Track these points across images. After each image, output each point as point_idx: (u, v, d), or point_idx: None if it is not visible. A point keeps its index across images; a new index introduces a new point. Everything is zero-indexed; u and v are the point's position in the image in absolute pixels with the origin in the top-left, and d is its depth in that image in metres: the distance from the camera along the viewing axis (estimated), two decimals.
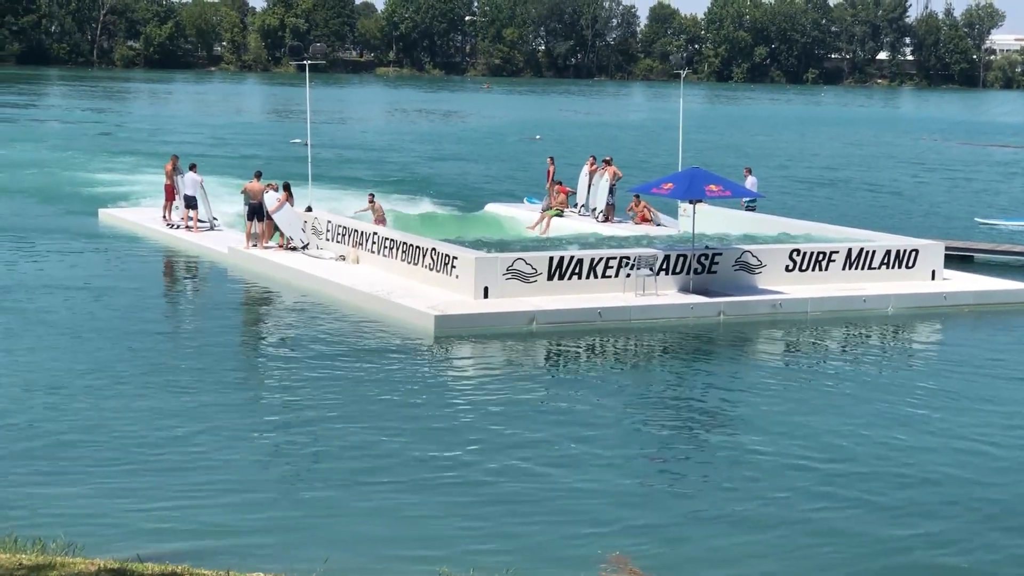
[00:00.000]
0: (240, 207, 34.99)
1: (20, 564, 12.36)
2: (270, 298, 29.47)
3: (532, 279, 27.51)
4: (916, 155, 79.99)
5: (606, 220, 37.35)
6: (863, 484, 16.98)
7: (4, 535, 13.53)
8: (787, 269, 29.82)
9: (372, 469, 17.04)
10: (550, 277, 27.68)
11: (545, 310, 26.52)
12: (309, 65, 38.52)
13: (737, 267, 29.39)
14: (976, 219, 46.90)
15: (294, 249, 32.82)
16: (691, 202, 30.71)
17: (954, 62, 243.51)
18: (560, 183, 38.55)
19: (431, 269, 28.42)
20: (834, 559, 14.64)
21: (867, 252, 30.68)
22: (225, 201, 39.92)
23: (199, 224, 36.98)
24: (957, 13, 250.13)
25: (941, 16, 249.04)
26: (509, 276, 27.32)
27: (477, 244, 29.41)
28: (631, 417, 20.05)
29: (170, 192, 37.88)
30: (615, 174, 38.00)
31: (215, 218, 37.74)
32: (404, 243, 29.58)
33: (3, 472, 16.56)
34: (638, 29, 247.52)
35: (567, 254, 28.12)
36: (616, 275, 28.22)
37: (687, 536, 15.17)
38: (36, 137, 72.86)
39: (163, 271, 33.30)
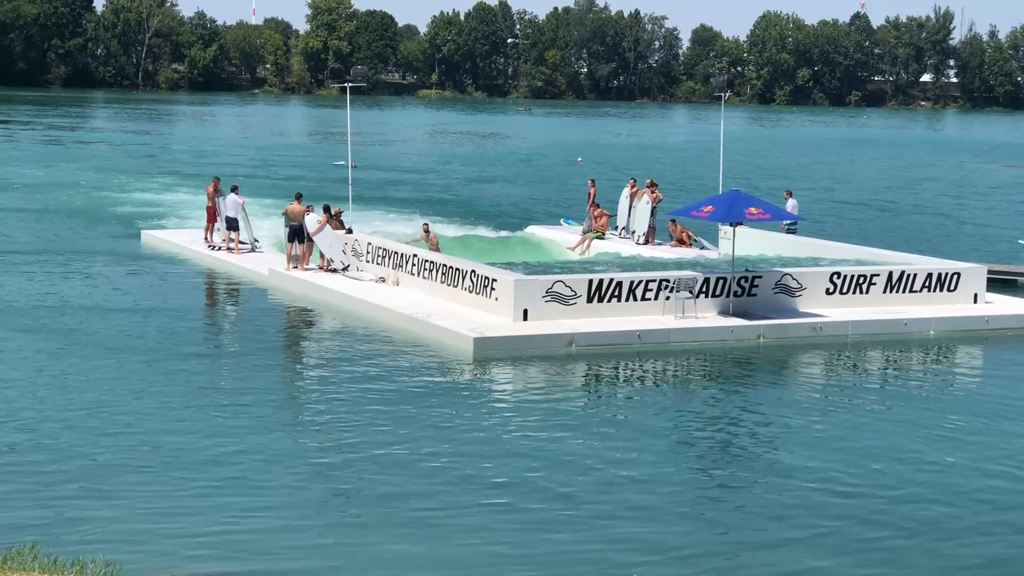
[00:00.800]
0: (281, 229, 35.17)
1: None
2: (310, 320, 29.58)
3: (571, 301, 27.50)
4: (960, 178, 79.48)
5: (647, 243, 37.33)
6: (906, 508, 16.85)
7: (44, 555, 13.61)
8: (827, 292, 29.69)
9: (411, 492, 17.04)
10: (589, 299, 27.67)
11: (584, 332, 26.49)
12: (351, 87, 38.73)
13: (777, 290, 29.28)
14: (1020, 242, 46.54)
15: (334, 271, 32.95)
16: (731, 225, 30.64)
17: (998, 84, 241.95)
18: (598, 206, 38.58)
19: (471, 291, 28.45)
20: None
21: (908, 275, 30.50)
22: (266, 223, 40.15)
23: (240, 246, 37.18)
24: (1002, 35, 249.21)
25: (985, 38, 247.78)
26: (548, 298, 27.32)
27: (515, 266, 29.43)
28: (670, 441, 19.98)
29: (212, 214, 38.12)
30: (657, 197, 38.00)
31: (256, 240, 37.94)
32: (444, 265, 29.64)
33: (44, 492, 16.67)
34: (680, 51, 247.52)
35: (606, 276, 28.09)
36: (656, 298, 28.17)
37: (727, 561, 15.09)
38: (81, 158, 73.56)
39: (204, 293, 33.51)
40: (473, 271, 28.52)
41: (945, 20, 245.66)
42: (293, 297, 31.60)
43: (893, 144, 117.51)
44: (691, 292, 28.20)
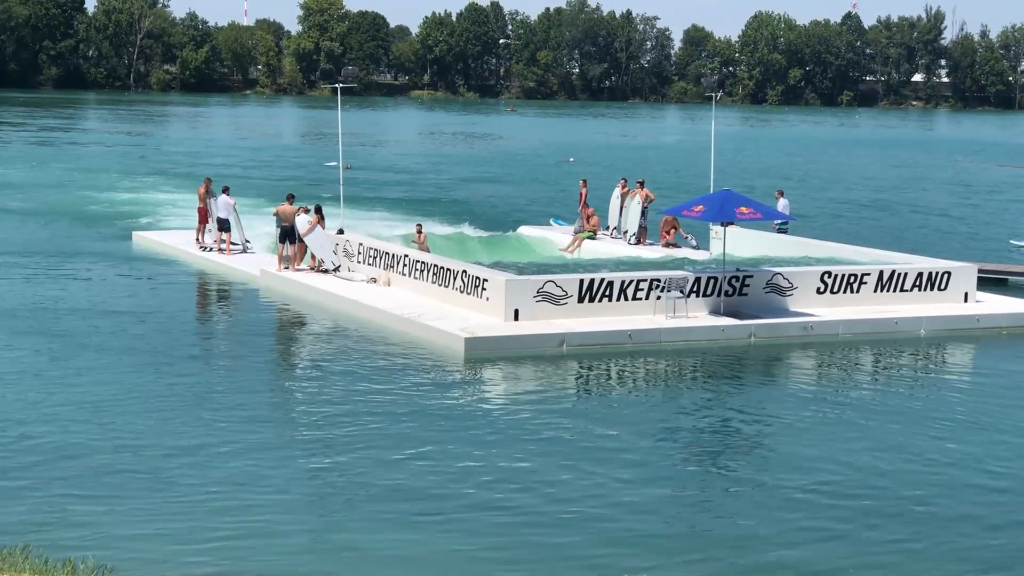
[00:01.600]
0: (273, 229, 35.17)
1: None
2: (302, 320, 29.59)
3: (563, 301, 27.53)
4: (951, 177, 79.65)
5: (638, 243, 37.37)
6: (898, 505, 16.91)
7: (36, 556, 13.63)
8: (818, 291, 29.74)
9: (403, 493, 17.06)
10: (581, 299, 27.70)
11: (576, 332, 26.53)
12: (342, 88, 38.75)
13: (768, 289, 29.34)
14: (1011, 241, 46.66)
15: (326, 271, 32.96)
16: (722, 224, 30.68)
17: (990, 84, 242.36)
18: (587, 206, 38.65)
19: (462, 291, 28.48)
20: None
21: (899, 275, 30.57)
22: (258, 223, 40.13)
23: (232, 247, 37.17)
24: (993, 35, 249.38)
25: (977, 38, 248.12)
26: (540, 298, 27.35)
27: (506, 266, 29.46)
28: (662, 440, 20.01)
29: (203, 215, 38.09)
30: (647, 197, 38.05)
31: (248, 241, 37.93)
32: (435, 265, 29.66)
33: (36, 492, 16.67)
34: (672, 52, 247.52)
35: (598, 276, 28.12)
36: (647, 297, 28.21)
37: (720, 560, 15.13)
38: (72, 159, 73.49)
39: (196, 294, 33.51)
40: (464, 271, 28.55)
41: (936, 20, 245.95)
42: (285, 298, 31.61)
43: (885, 144, 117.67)
44: (682, 292, 28.24)
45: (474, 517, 16.22)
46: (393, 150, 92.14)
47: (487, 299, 27.60)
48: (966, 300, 30.96)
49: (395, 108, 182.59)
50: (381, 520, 16.02)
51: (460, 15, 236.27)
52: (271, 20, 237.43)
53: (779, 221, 35.79)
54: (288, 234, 33.39)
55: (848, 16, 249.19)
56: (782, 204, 38.07)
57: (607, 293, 27.93)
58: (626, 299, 28.07)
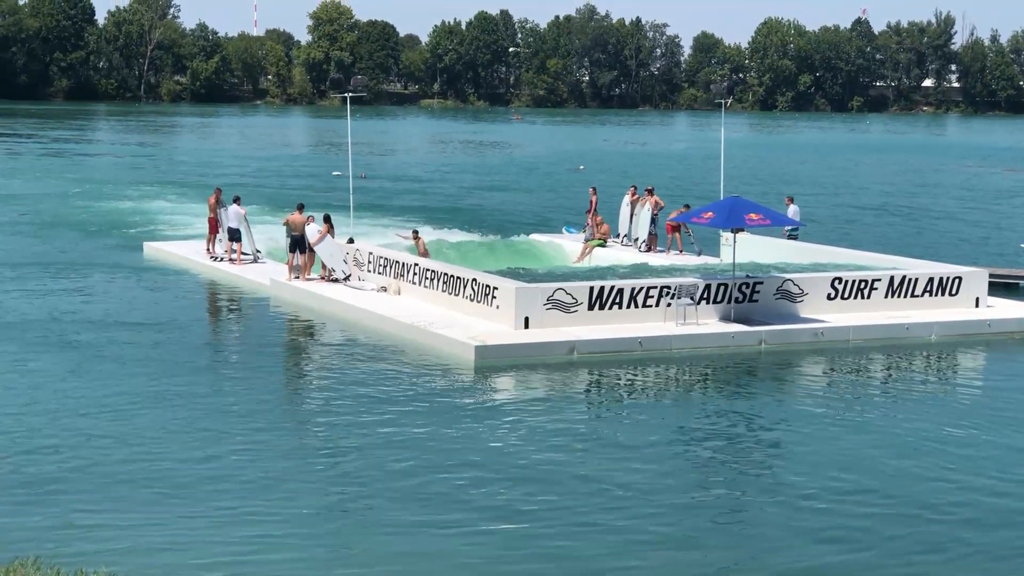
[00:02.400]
0: (283, 239, 35.22)
1: None
2: (312, 330, 29.63)
3: (573, 309, 27.53)
4: (962, 182, 79.50)
5: (648, 250, 37.38)
6: (912, 512, 16.88)
7: (47, 566, 13.64)
8: (829, 297, 29.72)
9: (412, 500, 17.06)
10: (591, 307, 27.69)
11: (586, 340, 26.53)
12: (352, 97, 38.81)
13: (778, 295, 29.31)
14: (1021, 246, 46.56)
15: (336, 281, 32.99)
16: (732, 231, 30.66)
17: (1000, 89, 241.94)
18: (596, 214, 38.67)
19: (472, 300, 28.49)
20: None
21: (910, 280, 30.53)
22: (267, 233, 40.21)
23: (242, 256, 37.23)
24: (1003, 39, 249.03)
25: (987, 43, 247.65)
26: (550, 306, 27.35)
27: (517, 273, 29.46)
28: (672, 448, 20.00)
29: (214, 225, 38.16)
30: (657, 204, 38.06)
31: (258, 250, 37.98)
32: (445, 274, 29.68)
33: (48, 502, 16.71)
34: (682, 59, 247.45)
35: (608, 284, 28.12)
36: (657, 304, 28.20)
37: (731, 567, 15.11)
38: (83, 171, 73.64)
39: (207, 304, 33.56)
40: (474, 279, 28.56)
41: (946, 25, 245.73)
42: (295, 307, 31.65)
43: (896, 149, 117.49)
44: (692, 299, 28.22)
45: (487, 525, 16.22)
46: (403, 159, 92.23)
47: (497, 307, 27.60)
48: (977, 305, 30.90)
49: (404, 117, 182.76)
50: (393, 529, 16.02)
51: (470, 24, 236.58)
52: (281, 30, 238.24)
53: (790, 227, 35.76)
54: (298, 243, 33.43)
55: (858, 22, 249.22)
56: (792, 210, 38.03)
57: (617, 300, 27.92)
58: (636, 306, 28.06)
